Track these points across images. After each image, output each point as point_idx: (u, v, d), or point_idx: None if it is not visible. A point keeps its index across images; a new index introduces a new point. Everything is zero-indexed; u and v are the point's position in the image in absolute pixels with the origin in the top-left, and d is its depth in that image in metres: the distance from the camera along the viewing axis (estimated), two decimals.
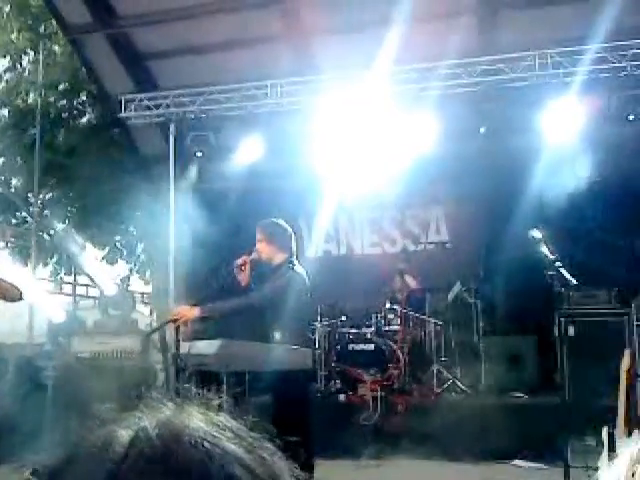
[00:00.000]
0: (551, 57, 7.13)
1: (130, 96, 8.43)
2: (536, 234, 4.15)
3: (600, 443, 4.11)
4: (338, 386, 6.92)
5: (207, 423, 0.57)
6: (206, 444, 0.55)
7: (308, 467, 3.94)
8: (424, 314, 7.57)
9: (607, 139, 7.61)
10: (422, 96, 7.46)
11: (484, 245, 8.24)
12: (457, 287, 7.54)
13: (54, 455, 0.56)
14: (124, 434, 0.55)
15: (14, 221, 12.47)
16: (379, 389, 6.55)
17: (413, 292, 7.88)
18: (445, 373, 6.99)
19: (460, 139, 8.02)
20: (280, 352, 4.12)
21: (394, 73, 7.33)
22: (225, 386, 3.92)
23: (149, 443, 0.54)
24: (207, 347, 4.08)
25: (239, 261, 4.38)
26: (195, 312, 4.21)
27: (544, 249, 4.04)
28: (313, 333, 7.03)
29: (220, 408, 0.62)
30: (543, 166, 7.43)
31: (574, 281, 4.13)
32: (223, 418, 0.60)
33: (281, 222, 4.54)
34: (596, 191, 7.81)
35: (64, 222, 12.51)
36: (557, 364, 6.45)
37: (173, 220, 8.29)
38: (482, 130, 7.90)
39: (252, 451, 0.57)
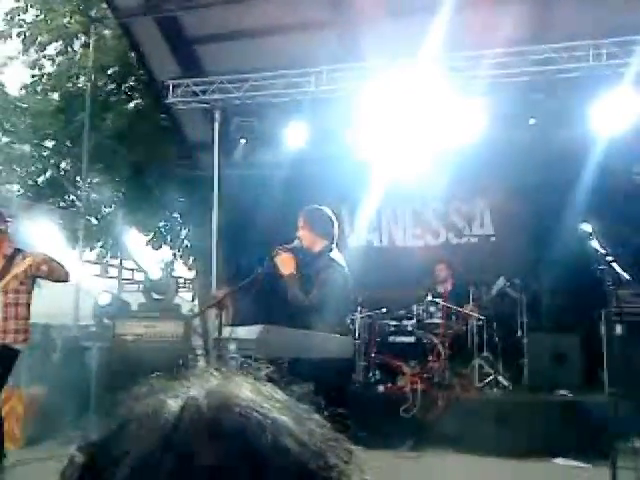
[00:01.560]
0: (606, 47, 6.91)
1: (177, 81, 8.49)
2: (586, 228, 4.02)
3: None
4: (377, 377, 6.89)
5: (256, 393, 0.57)
6: (256, 414, 0.54)
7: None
8: (466, 307, 7.44)
9: None
10: (470, 85, 7.32)
11: (530, 239, 8.07)
12: (501, 281, 7.41)
13: (103, 426, 0.56)
14: (173, 403, 0.55)
15: (62, 204, 12.72)
16: (419, 382, 6.50)
17: (454, 285, 7.78)
18: (486, 368, 6.88)
19: (509, 130, 7.86)
20: (321, 340, 4.10)
21: (442, 60, 7.20)
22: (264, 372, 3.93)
23: (199, 412, 0.53)
24: (248, 332, 4.09)
25: (279, 251, 4.36)
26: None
27: (594, 244, 3.91)
28: (353, 323, 6.99)
29: (268, 379, 0.61)
30: (594, 159, 7.23)
31: (627, 277, 3.99)
32: (271, 389, 0.59)
33: (324, 209, 4.51)
34: None
35: (111, 206, 12.72)
36: (603, 363, 6.30)
37: (217, 206, 8.34)
38: (532, 121, 7.72)
39: (301, 422, 0.56)
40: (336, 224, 4.51)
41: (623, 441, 4.76)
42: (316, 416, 0.59)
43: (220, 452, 0.50)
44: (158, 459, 0.50)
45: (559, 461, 5.55)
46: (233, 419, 0.53)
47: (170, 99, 8.52)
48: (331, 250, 4.40)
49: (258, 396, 0.56)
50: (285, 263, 4.29)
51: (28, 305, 4.98)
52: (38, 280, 5.14)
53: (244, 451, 0.51)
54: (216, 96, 8.30)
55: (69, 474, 0.55)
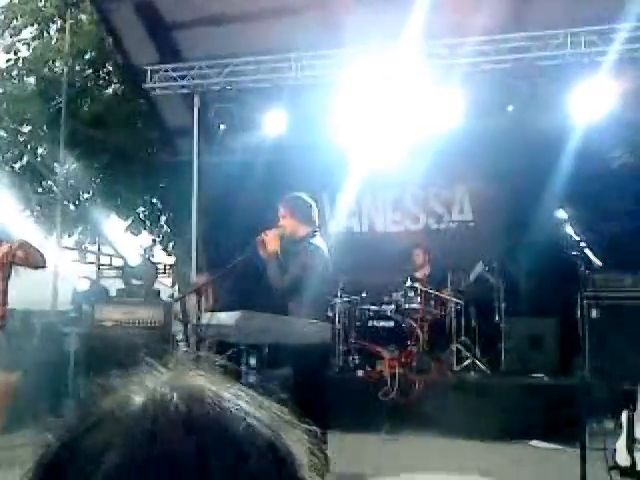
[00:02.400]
0: (583, 35, 6.96)
1: (155, 67, 8.42)
2: (561, 214, 4.08)
3: (619, 426, 4.09)
4: (356, 362, 6.94)
5: (214, 384, 0.57)
6: (226, 404, 0.55)
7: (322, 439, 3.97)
8: (444, 292, 7.51)
9: (639, 120, 7.45)
10: (449, 72, 7.35)
11: (508, 225, 8.15)
12: (479, 267, 7.48)
13: (76, 418, 0.56)
14: (140, 393, 0.55)
15: (40, 190, 12.58)
16: (397, 366, 6.56)
17: (431, 270, 7.85)
18: (464, 352, 6.98)
19: (487, 116, 7.91)
20: (299, 325, 4.13)
21: (421, 47, 7.21)
22: (244, 358, 3.95)
23: (172, 406, 0.53)
24: (227, 318, 4.11)
25: (262, 237, 4.38)
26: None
27: (569, 230, 3.97)
28: (332, 309, 7.03)
29: (236, 377, 0.62)
30: (571, 146, 7.30)
31: (599, 263, 4.06)
32: (238, 387, 0.59)
33: (303, 195, 4.54)
34: (626, 173, 7.67)
35: (89, 192, 12.61)
36: (578, 346, 6.41)
37: (196, 192, 8.31)
38: (510, 108, 7.77)
39: (264, 410, 0.57)
40: (316, 210, 4.54)
41: (595, 422, 4.88)
42: (286, 413, 0.59)
43: (200, 444, 0.51)
44: (140, 455, 0.51)
45: (535, 443, 5.65)
46: (206, 411, 0.53)
47: (148, 84, 8.44)
48: (314, 236, 4.42)
49: (218, 386, 0.57)
50: (270, 241, 4.33)
51: (5, 292, 4.94)
52: (16, 267, 5.10)
53: (223, 440, 0.52)
54: (195, 81, 8.24)
55: (46, 465, 0.54)
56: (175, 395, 0.54)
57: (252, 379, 3.86)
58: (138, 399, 0.55)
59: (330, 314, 6.66)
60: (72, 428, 0.55)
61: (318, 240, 4.44)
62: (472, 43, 7.18)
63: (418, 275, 7.80)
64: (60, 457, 0.54)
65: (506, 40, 7.19)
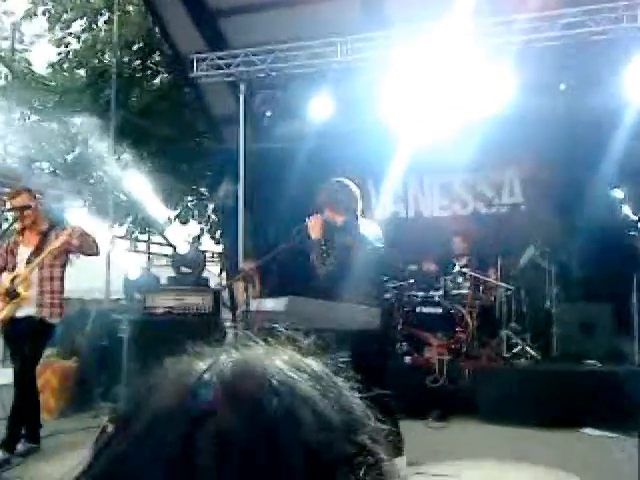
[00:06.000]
0: (639, 9, 6.69)
1: (201, 55, 8.47)
2: (618, 194, 3.94)
3: None
4: (404, 348, 6.89)
5: (287, 364, 0.56)
6: (276, 382, 0.53)
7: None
8: (493, 277, 7.37)
9: None
10: (500, 51, 7.17)
11: (560, 207, 7.92)
12: (530, 251, 7.31)
13: (135, 391, 0.57)
14: (201, 366, 0.55)
15: (92, 181, 12.87)
16: (446, 353, 6.49)
17: (471, 257, 7.70)
18: (515, 338, 6.84)
19: (539, 96, 7.70)
20: (347, 310, 4.11)
21: (469, 26, 7.05)
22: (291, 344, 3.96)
23: (220, 375, 0.53)
24: (275, 304, 4.12)
25: (306, 223, 4.36)
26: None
27: (626, 209, 3.83)
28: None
29: (310, 352, 0.60)
30: (626, 125, 7.05)
31: None
32: (310, 361, 0.58)
33: (346, 182, 4.47)
34: None
35: (138, 182, 12.82)
36: (633, 332, 6.22)
37: (243, 179, 8.36)
38: (562, 87, 7.54)
39: (329, 396, 0.55)
40: (359, 196, 4.47)
41: None
42: (350, 392, 0.58)
43: (230, 416, 0.51)
44: (171, 414, 0.51)
45: (588, 431, 5.52)
46: (250, 384, 0.53)
47: (195, 73, 8.51)
48: (356, 222, 4.38)
49: (288, 366, 0.56)
50: (313, 227, 4.31)
51: (62, 279, 5.08)
52: (70, 256, 5.24)
53: (254, 417, 0.51)
54: (241, 69, 8.27)
55: (102, 441, 0.55)
56: (230, 366, 0.54)
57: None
58: (201, 366, 0.55)
59: (388, 296, 6.58)
60: (134, 398, 0.56)
61: (365, 227, 4.39)
62: (523, 20, 6.98)
63: (462, 262, 7.67)
64: (116, 423, 0.55)
65: (559, 16, 6.96)
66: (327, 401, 0.54)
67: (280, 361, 0.56)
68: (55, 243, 4.81)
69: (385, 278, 7.12)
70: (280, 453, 0.50)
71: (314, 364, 0.58)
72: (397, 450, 3.92)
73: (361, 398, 0.58)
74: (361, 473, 0.52)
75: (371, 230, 4.40)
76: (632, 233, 3.72)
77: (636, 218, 3.77)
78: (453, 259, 7.69)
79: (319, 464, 0.50)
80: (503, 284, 7.14)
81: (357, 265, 4.17)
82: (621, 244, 3.84)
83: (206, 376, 0.54)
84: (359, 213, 4.44)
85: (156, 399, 0.54)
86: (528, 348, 6.73)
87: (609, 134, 7.13)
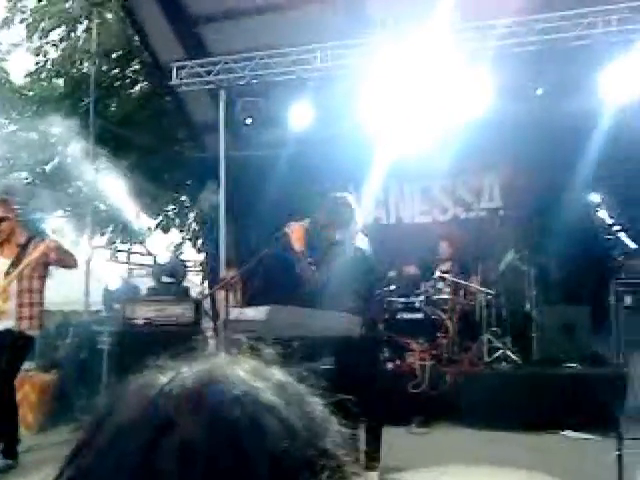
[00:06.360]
0: (614, 14, 6.78)
1: (181, 63, 8.44)
2: (594, 198, 4.00)
3: None
4: (386, 355, 6.90)
5: (251, 374, 0.57)
6: (238, 392, 0.53)
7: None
8: (474, 282, 7.41)
9: None
10: (476, 56, 7.22)
11: (539, 211, 7.99)
12: (510, 255, 7.37)
13: (98, 406, 0.57)
14: (163, 378, 0.56)
15: (70, 190, 12.77)
16: (428, 358, 6.51)
17: (455, 262, 7.74)
18: (495, 342, 6.87)
19: (516, 101, 7.76)
20: (327, 317, 4.11)
21: (448, 31, 7.09)
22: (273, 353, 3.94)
23: (182, 386, 0.54)
24: (256, 313, 4.11)
25: (289, 228, 4.36)
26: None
27: (602, 214, 3.88)
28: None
29: (274, 362, 0.61)
30: (602, 129, 7.13)
31: (634, 246, 3.96)
32: (274, 370, 0.59)
33: (345, 197, 4.47)
34: None
35: (118, 191, 12.74)
36: (612, 334, 6.28)
37: (224, 188, 8.33)
38: (539, 91, 7.62)
39: (292, 403, 0.55)
40: (357, 210, 4.47)
41: (632, 412, 4.77)
42: (315, 399, 0.58)
43: (193, 425, 0.51)
44: (133, 426, 0.51)
45: (568, 433, 5.56)
46: (212, 394, 0.53)
47: (174, 81, 8.48)
48: (354, 237, 4.38)
49: (252, 376, 0.56)
50: (298, 237, 4.29)
51: (42, 291, 5.04)
52: (49, 268, 5.20)
53: (216, 426, 0.51)
54: (221, 76, 8.25)
55: (67, 455, 0.56)
56: (192, 377, 0.55)
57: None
58: (163, 378, 0.55)
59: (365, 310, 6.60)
60: (97, 412, 0.57)
61: (359, 241, 4.39)
62: (499, 25, 7.04)
63: (445, 267, 7.71)
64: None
65: (536, 21, 7.03)
66: (290, 408, 0.55)
67: (242, 370, 0.57)
68: (33, 255, 4.77)
69: (378, 291, 7.16)
70: (242, 460, 0.50)
71: (277, 373, 0.59)
72: (373, 461, 3.96)
73: (324, 405, 0.59)
74: (324, 477, 0.52)
75: (364, 244, 4.41)
76: (608, 237, 3.76)
77: (611, 222, 3.82)
78: (433, 265, 7.72)
79: (281, 470, 0.51)
80: (483, 289, 7.18)
81: (352, 279, 4.18)
82: (597, 247, 3.89)
83: (167, 387, 0.54)
84: (359, 227, 4.45)
85: (119, 412, 0.54)
86: (509, 352, 6.77)
87: (586, 139, 7.21)
